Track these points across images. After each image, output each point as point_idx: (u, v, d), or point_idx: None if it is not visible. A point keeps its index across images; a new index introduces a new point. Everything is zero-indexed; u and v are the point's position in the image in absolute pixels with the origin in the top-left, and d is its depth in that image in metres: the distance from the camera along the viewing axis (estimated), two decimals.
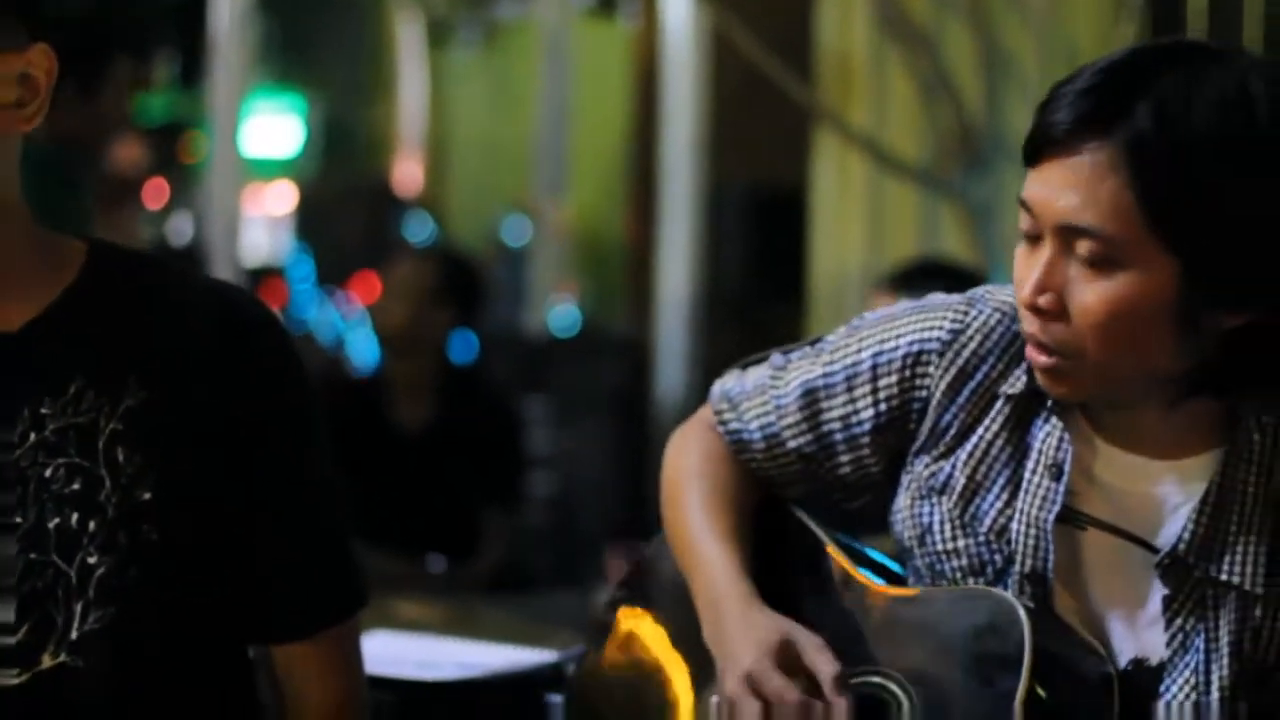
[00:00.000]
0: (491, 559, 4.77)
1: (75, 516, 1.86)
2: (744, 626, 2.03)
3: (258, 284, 7.63)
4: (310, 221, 8.42)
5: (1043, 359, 1.91)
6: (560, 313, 6.99)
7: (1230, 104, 1.82)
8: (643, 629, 2.24)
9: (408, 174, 8.56)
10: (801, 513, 2.18)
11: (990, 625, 1.93)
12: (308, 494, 1.96)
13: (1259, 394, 1.93)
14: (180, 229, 7.58)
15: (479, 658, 2.62)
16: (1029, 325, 1.91)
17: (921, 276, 4.02)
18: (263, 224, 8.41)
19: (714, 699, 2.10)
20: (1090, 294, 1.85)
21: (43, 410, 1.87)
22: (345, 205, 8.50)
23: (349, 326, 7.58)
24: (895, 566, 2.15)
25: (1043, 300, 1.87)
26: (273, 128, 8.80)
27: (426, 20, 8.74)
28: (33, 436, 1.87)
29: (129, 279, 1.92)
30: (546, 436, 6.07)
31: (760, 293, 6.26)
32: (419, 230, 7.83)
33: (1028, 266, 1.89)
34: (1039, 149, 1.87)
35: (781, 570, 2.15)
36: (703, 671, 2.13)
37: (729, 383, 2.20)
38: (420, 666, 2.56)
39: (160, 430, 1.87)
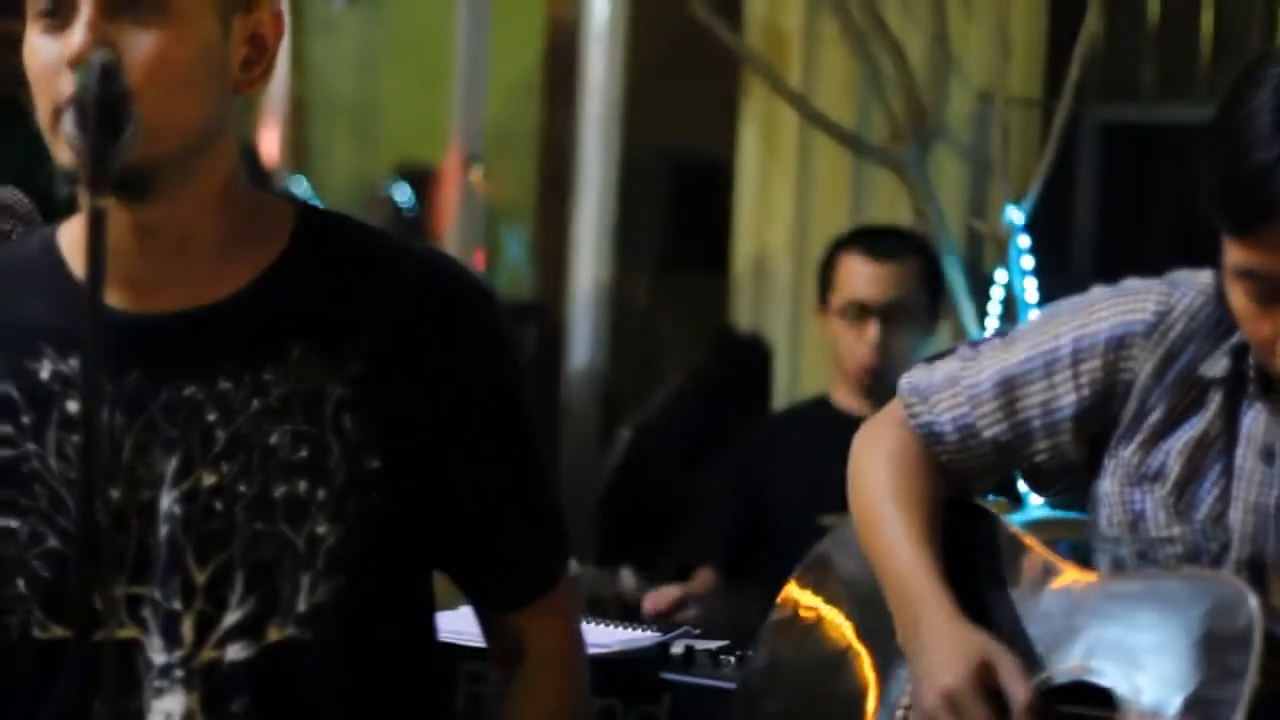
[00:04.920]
0: None
1: (303, 485, 1.81)
2: (946, 639, 2.02)
3: None
4: None
5: None
6: None
7: None
8: (819, 621, 2.22)
9: (271, 139, 8.37)
10: (984, 504, 2.18)
11: (1218, 608, 1.92)
12: (528, 464, 1.96)
13: None
14: None
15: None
16: None
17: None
18: None
19: (904, 702, 2.07)
20: None
21: (265, 376, 1.82)
22: None
23: None
24: None
25: None
26: None
27: None
28: (255, 403, 1.82)
29: (342, 244, 1.90)
30: None
31: (680, 263, 6.19)
32: (298, 195, 7.68)
33: (1274, 325, 1.91)
34: (1257, 222, 1.86)
35: (972, 561, 2.13)
36: (889, 663, 2.13)
37: (916, 376, 2.20)
38: None
39: (385, 398, 1.84)
